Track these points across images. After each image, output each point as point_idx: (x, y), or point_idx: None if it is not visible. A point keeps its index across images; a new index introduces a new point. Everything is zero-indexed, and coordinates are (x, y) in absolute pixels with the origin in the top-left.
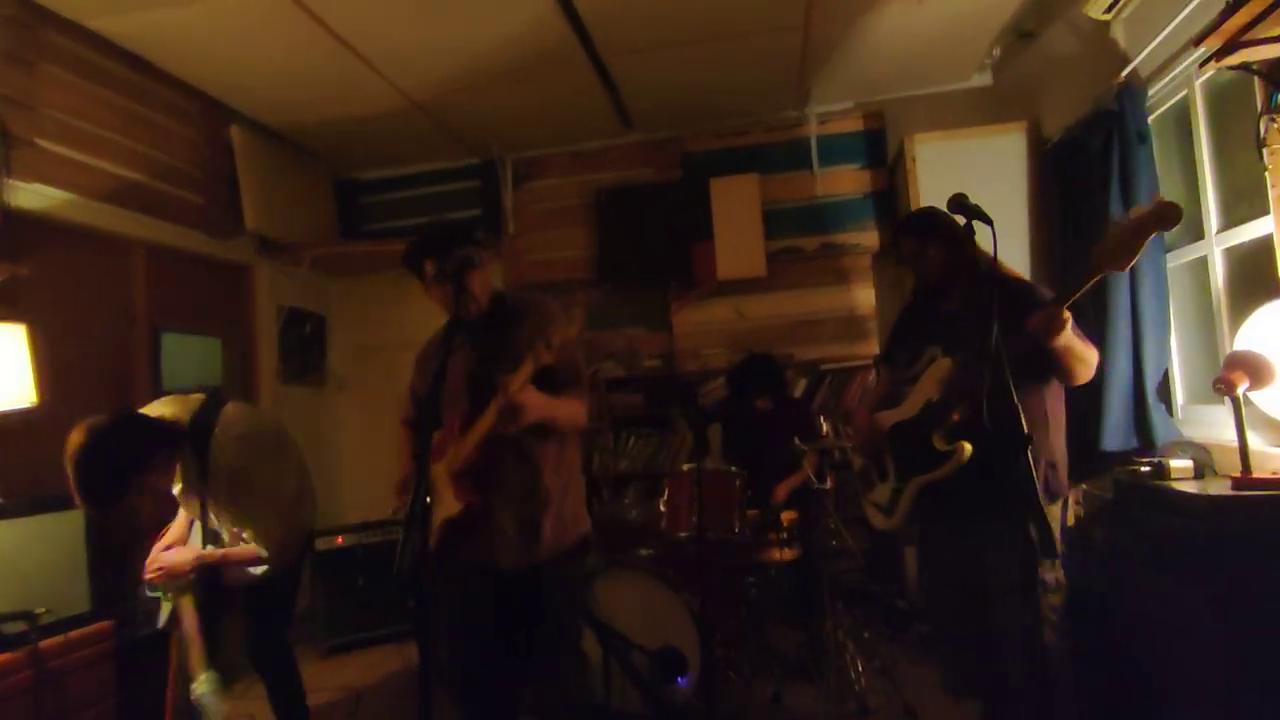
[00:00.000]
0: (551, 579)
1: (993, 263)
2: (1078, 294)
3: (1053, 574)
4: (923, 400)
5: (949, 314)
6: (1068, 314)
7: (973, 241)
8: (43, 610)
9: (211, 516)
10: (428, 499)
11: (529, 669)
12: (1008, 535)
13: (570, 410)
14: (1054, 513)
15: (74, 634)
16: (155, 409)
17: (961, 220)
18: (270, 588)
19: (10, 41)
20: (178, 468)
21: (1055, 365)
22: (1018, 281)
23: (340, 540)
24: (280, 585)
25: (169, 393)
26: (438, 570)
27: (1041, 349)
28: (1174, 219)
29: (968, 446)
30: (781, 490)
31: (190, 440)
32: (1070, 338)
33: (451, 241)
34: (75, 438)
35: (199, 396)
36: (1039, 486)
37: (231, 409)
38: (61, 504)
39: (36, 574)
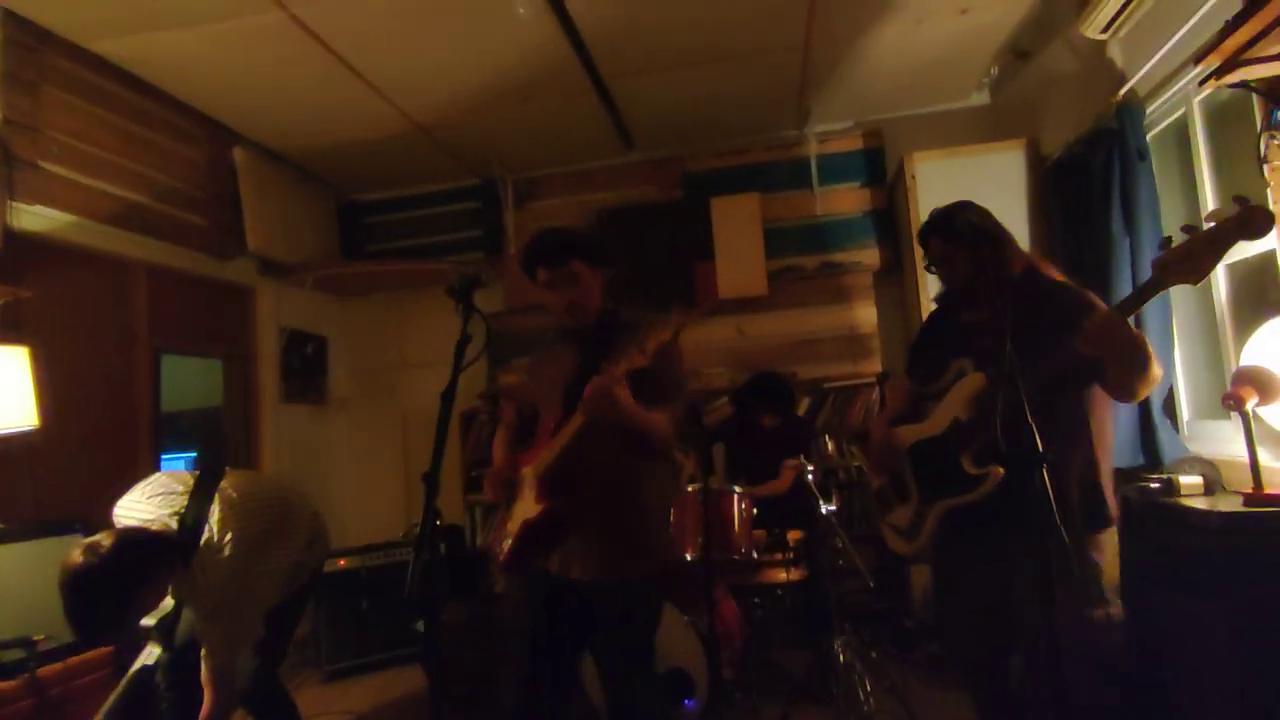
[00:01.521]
0: (628, 597)
1: (1033, 264)
2: (1138, 307)
3: (1103, 611)
4: (950, 417)
5: (979, 324)
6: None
7: (1008, 241)
8: (41, 636)
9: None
10: (438, 523)
11: (606, 690)
12: (1038, 567)
13: (656, 421)
14: (1103, 542)
15: (73, 661)
16: (143, 507)
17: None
18: (269, 621)
19: (14, 65)
20: (169, 582)
21: (1117, 380)
22: (1060, 285)
23: (343, 562)
24: (278, 621)
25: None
26: (509, 576)
27: (1091, 366)
28: (1265, 224)
29: (1000, 470)
30: (785, 473)
31: (180, 550)
32: (1135, 339)
33: (572, 250)
34: (71, 562)
35: (186, 484)
36: (1078, 510)
37: (220, 505)
38: (62, 528)
39: (36, 599)
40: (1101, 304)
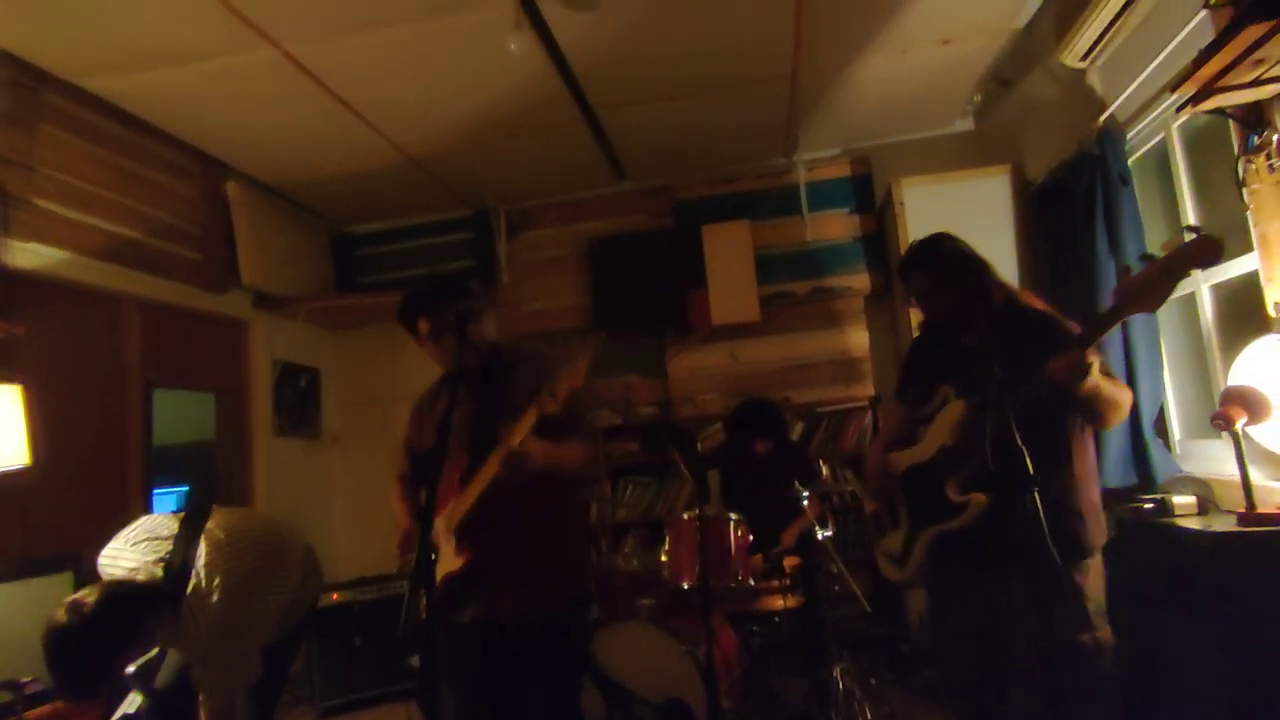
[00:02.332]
0: (555, 633)
1: (1012, 293)
2: (1099, 336)
3: (1090, 635)
4: (937, 444)
5: (963, 350)
6: (1093, 357)
7: (987, 270)
8: (29, 679)
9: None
10: (433, 557)
11: None
12: (1026, 594)
13: (572, 455)
14: (1088, 568)
15: (60, 704)
16: (128, 555)
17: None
18: (266, 659)
19: (12, 104)
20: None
21: (1083, 410)
22: (1040, 313)
23: (335, 597)
24: (274, 659)
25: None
26: (439, 633)
27: (1065, 394)
28: (1214, 253)
29: (982, 499)
30: (789, 536)
31: (167, 599)
32: (1098, 381)
33: (446, 296)
34: (56, 621)
35: (170, 528)
36: (1065, 538)
37: (207, 548)
38: (51, 568)
39: (24, 640)
40: (1078, 331)
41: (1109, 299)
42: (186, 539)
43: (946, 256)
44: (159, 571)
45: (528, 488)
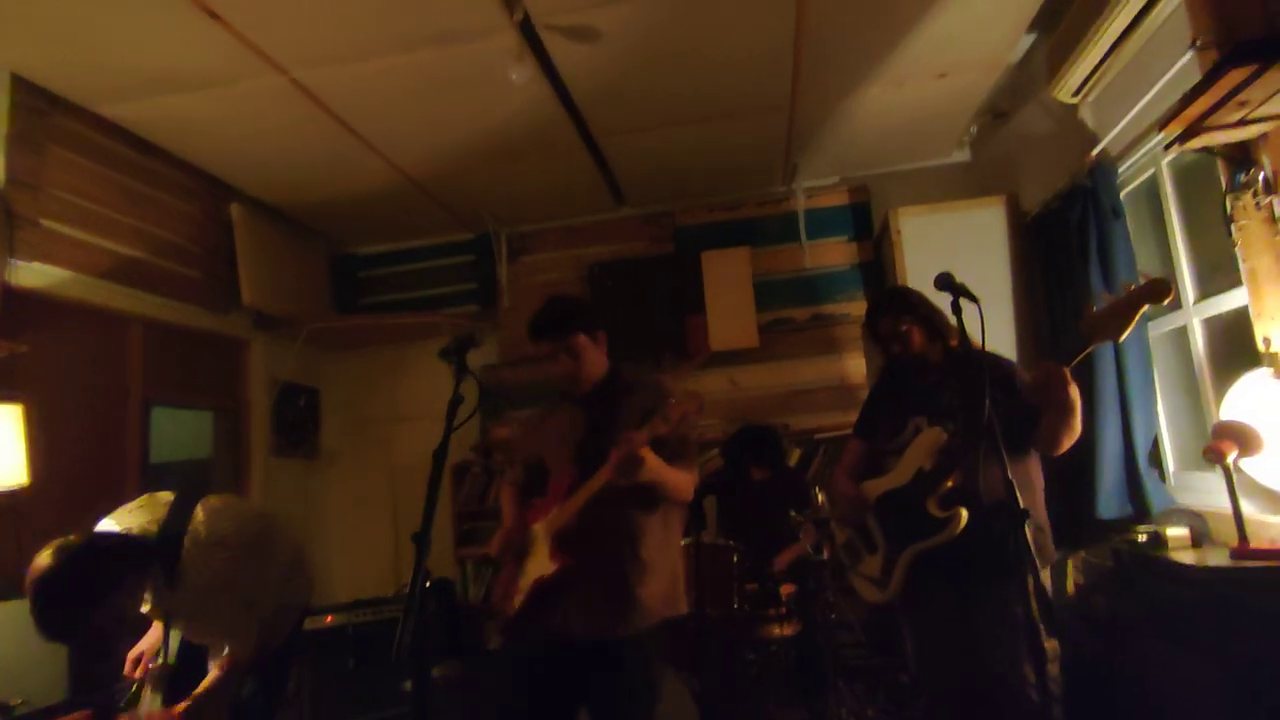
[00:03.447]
0: (635, 656)
1: (966, 339)
2: (1076, 359)
3: (1049, 643)
4: (914, 468)
5: (929, 386)
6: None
7: (942, 316)
8: (18, 701)
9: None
10: (428, 583)
11: None
12: (1008, 607)
13: (679, 479)
14: (1045, 578)
15: None
16: (124, 518)
17: (949, 298)
18: (258, 671)
19: (22, 126)
20: (147, 589)
21: (1048, 430)
22: (991, 355)
23: (330, 620)
24: (269, 671)
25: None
26: (508, 635)
27: (1034, 414)
28: (1164, 294)
29: (964, 512)
30: (782, 560)
31: (160, 555)
32: (1075, 394)
33: (567, 322)
34: (40, 561)
35: (168, 498)
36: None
37: (204, 512)
38: None
39: (14, 661)
40: (1023, 373)
41: (1079, 330)
42: (183, 506)
43: (915, 303)
44: (153, 529)
45: (630, 507)
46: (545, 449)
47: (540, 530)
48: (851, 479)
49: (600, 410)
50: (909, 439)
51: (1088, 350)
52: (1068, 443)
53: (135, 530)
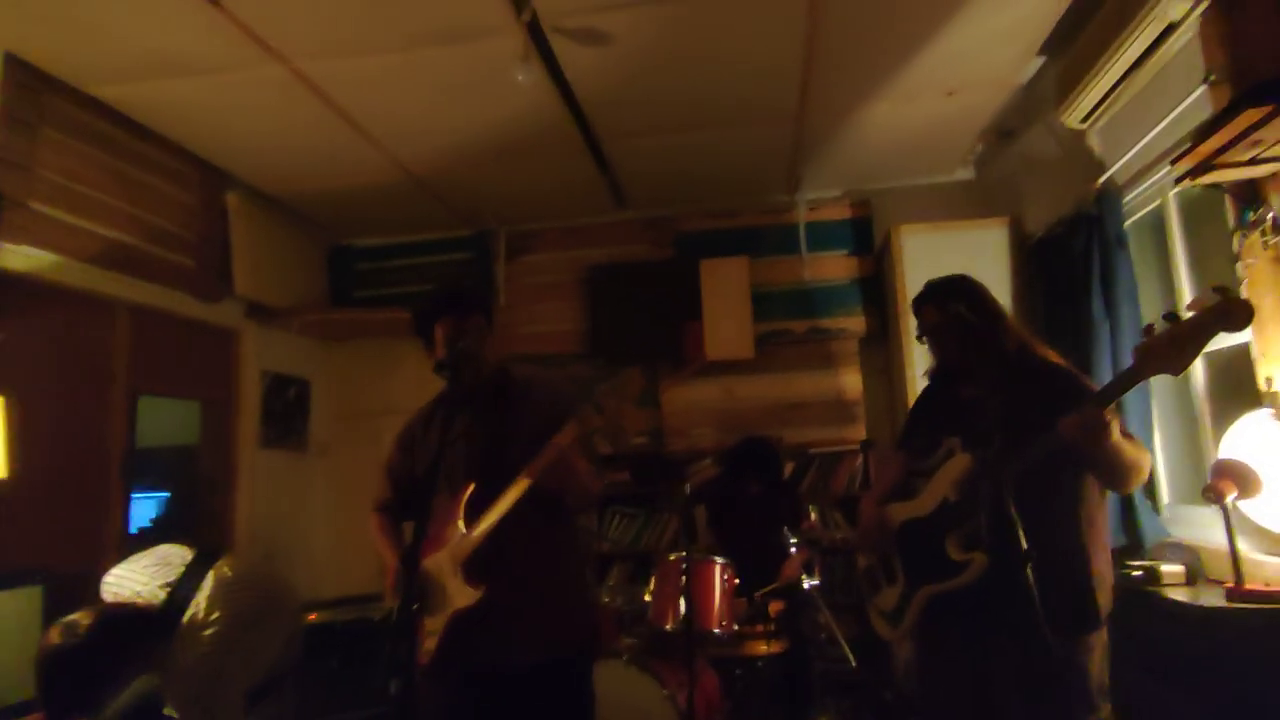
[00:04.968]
0: (569, 676)
1: (1026, 345)
2: (1118, 396)
3: (1094, 717)
4: (939, 498)
5: (971, 401)
6: (1110, 416)
7: (1003, 318)
8: None
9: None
10: (416, 605)
11: None
12: (1019, 670)
13: (591, 478)
14: (1094, 644)
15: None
16: (135, 575)
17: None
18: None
19: (13, 105)
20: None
21: (1101, 472)
22: (1055, 366)
23: (314, 617)
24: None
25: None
26: (433, 682)
27: (1079, 454)
28: (1243, 317)
29: (983, 558)
30: (790, 567)
31: (162, 623)
32: (1119, 441)
33: (470, 304)
34: (50, 641)
35: (185, 559)
36: (1072, 610)
37: (215, 579)
38: (18, 580)
39: None
40: (1094, 388)
41: (1130, 357)
42: (195, 570)
43: (962, 297)
44: (162, 595)
45: (534, 519)
46: (428, 463)
47: (440, 561)
48: (876, 499)
49: (496, 415)
50: (939, 462)
51: (1135, 384)
52: (1135, 482)
53: (145, 596)
